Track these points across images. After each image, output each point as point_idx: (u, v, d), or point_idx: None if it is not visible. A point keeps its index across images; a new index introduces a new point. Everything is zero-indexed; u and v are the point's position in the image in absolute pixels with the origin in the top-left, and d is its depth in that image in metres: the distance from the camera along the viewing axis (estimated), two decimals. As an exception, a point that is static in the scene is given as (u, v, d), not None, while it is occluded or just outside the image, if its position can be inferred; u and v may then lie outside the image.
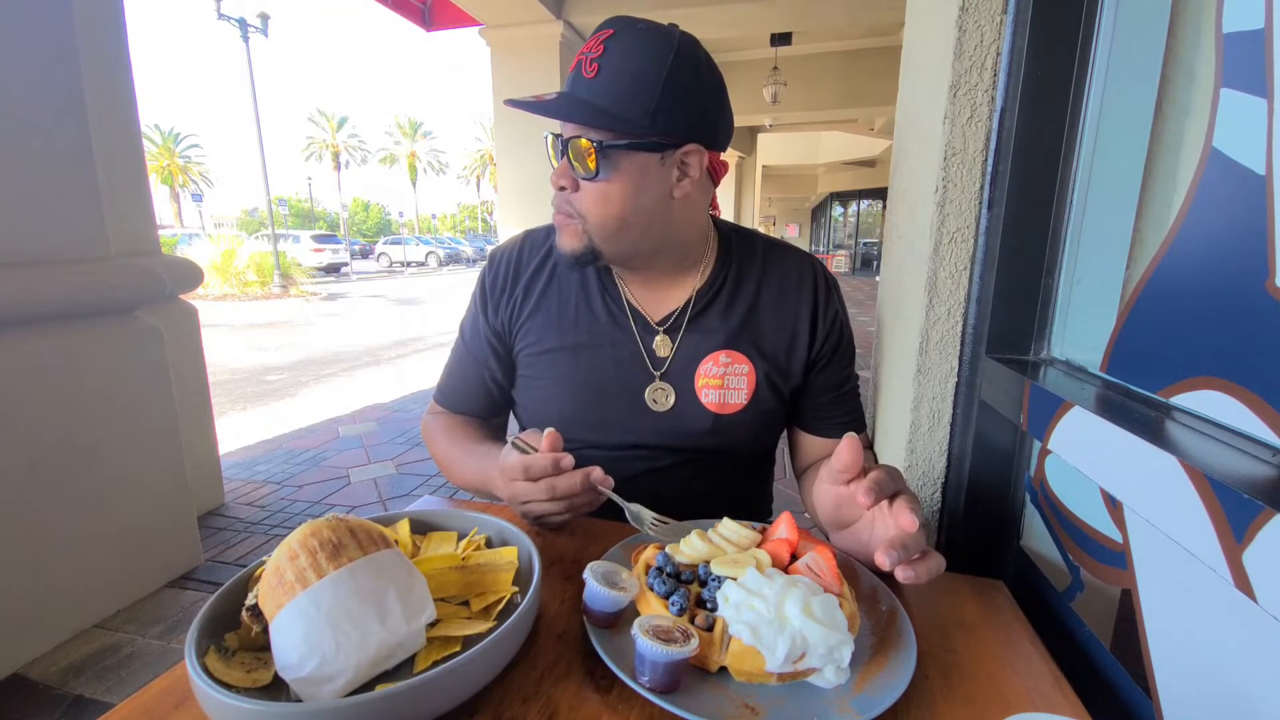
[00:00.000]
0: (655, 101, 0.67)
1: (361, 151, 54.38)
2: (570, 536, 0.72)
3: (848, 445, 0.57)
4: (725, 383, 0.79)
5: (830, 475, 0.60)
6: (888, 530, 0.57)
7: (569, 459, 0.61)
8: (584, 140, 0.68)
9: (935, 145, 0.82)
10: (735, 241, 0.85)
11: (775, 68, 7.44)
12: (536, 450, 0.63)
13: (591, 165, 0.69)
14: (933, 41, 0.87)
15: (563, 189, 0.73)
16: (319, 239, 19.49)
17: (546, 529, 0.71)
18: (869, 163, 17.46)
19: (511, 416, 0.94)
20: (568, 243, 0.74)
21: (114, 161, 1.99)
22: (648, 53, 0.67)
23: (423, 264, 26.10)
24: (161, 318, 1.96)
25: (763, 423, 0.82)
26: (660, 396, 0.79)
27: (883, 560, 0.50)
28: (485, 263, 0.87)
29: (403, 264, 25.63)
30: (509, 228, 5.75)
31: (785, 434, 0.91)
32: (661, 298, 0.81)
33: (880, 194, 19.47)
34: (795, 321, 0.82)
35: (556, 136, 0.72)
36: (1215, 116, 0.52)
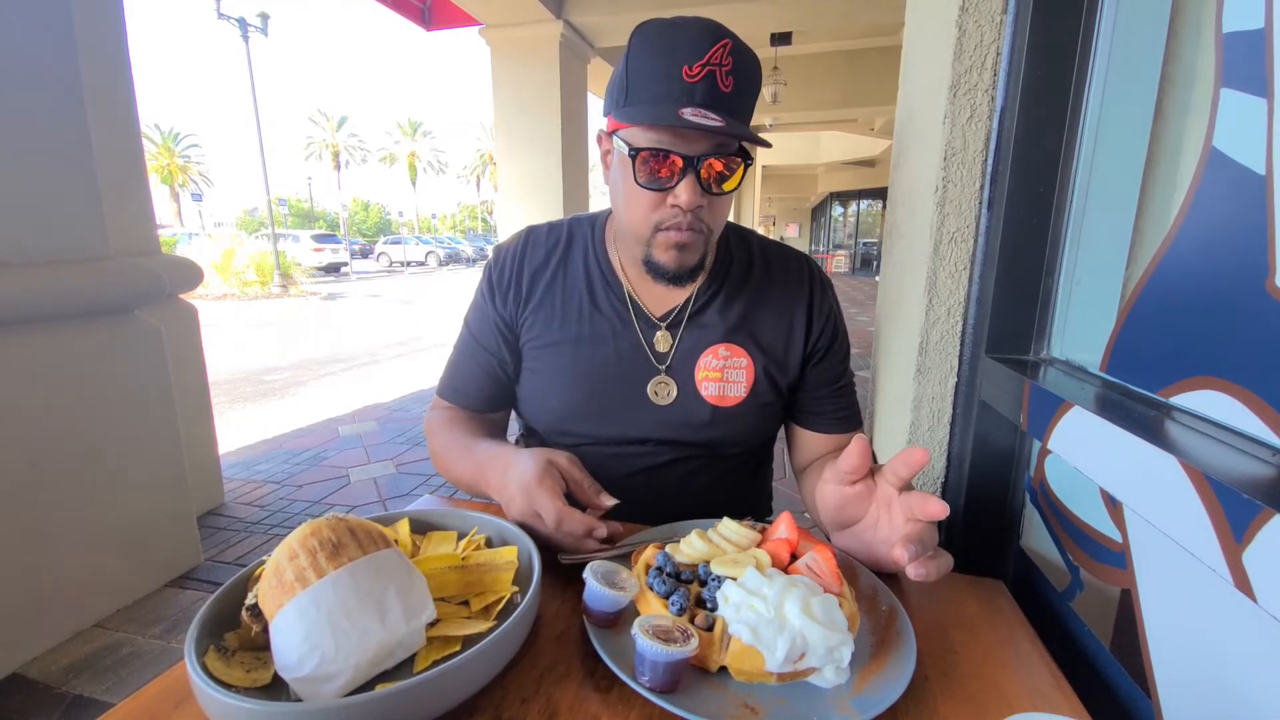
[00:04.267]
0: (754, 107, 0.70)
1: (361, 151, 54.33)
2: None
3: (856, 448, 0.57)
4: (725, 375, 0.80)
5: (836, 476, 0.60)
6: (893, 531, 0.58)
7: (603, 530, 0.60)
8: (738, 158, 0.68)
9: (935, 145, 0.82)
10: (733, 240, 0.86)
11: (775, 68, 7.43)
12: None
13: (739, 180, 0.70)
14: (932, 41, 0.87)
15: (700, 207, 0.69)
16: (319, 239, 19.44)
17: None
18: (869, 163, 17.44)
19: (513, 415, 0.94)
20: (692, 257, 0.73)
21: (114, 161, 1.99)
22: (754, 62, 0.68)
23: (422, 264, 26.07)
24: (161, 317, 1.96)
25: (760, 417, 0.83)
26: (662, 390, 0.80)
27: (901, 555, 0.51)
28: (490, 258, 0.88)
29: (402, 264, 25.59)
30: (509, 227, 5.74)
31: (784, 432, 0.92)
32: (663, 294, 0.81)
33: (880, 194, 19.45)
34: (792, 316, 0.83)
35: (664, 153, 0.66)
36: (1215, 116, 0.52)
